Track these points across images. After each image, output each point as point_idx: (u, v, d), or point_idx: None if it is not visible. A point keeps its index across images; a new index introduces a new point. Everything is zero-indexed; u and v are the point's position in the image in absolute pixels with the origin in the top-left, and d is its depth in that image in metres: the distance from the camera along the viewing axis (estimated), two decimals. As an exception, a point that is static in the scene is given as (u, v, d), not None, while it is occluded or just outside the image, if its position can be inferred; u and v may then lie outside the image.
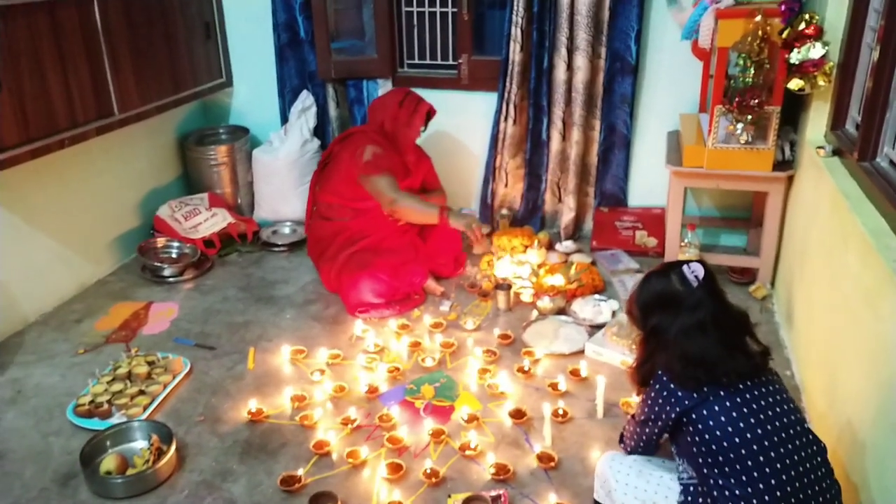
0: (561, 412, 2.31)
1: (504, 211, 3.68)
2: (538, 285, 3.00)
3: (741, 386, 1.55)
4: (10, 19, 2.47)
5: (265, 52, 3.74)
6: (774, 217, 2.94)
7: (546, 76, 3.36)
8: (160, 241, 3.45)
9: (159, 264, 3.32)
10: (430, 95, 3.25)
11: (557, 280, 3.00)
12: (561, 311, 2.94)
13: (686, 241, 3.04)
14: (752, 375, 1.57)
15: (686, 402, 1.56)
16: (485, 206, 3.69)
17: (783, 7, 2.54)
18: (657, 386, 1.62)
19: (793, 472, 1.48)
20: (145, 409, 2.36)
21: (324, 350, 2.70)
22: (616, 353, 2.60)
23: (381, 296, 2.96)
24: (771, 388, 1.58)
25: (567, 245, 3.48)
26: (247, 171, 3.83)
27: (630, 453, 1.81)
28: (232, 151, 3.75)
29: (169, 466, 2.10)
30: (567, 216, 3.57)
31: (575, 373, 2.53)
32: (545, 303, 2.94)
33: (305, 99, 3.73)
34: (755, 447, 1.48)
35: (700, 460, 1.55)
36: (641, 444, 1.75)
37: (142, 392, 2.43)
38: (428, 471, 2.08)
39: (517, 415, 2.32)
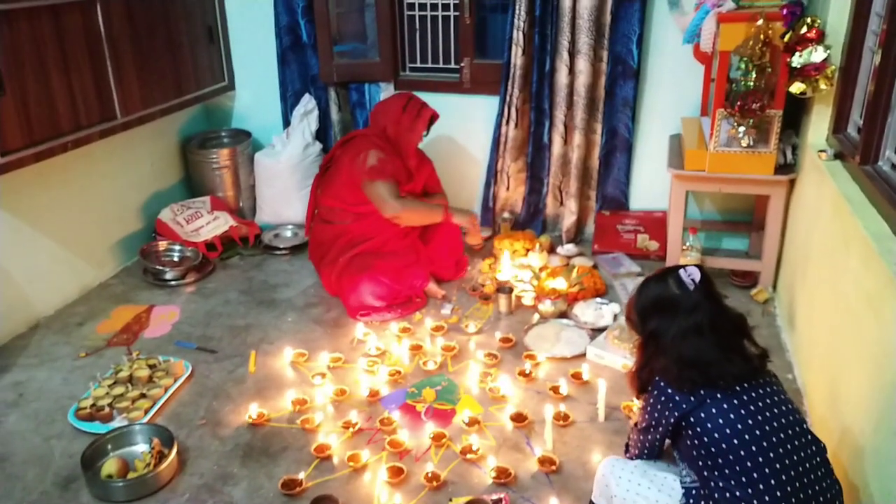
0: (562, 416, 2.31)
1: (506, 214, 3.68)
2: (539, 289, 3.00)
3: (739, 388, 1.55)
4: (14, 23, 2.48)
5: (267, 56, 3.75)
6: (776, 221, 2.94)
7: (548, 80, 3.36)
8: (162, 245, 3.46)
9: (161, 267, 3.32)
10: (431, 99, 3.25)
11: (559, 283, 3.00)
12: (562, 315, 2.94)
13: (688, 244, 3.04)
14: (750, 377, 1.57)
15: (684, 406, 1.56)
16: (486, 210, 3.69)
17: (785, 11, 2.54)
18: (655, 392, 1.63)
19: (793, 473, 1.47)
20: (146, 412, 2.36)
21: (325, 353, 2.70)
22: (617, 356, 2.59)
23: (382, 299, 2.96)
24: (769, 389, 1.58)
25: (568, 248, 3.49)
26: (249, 175, 3.84)
27: None
28: (234, 155, 3.76)
29: (170, 470, 2.10)
30: (569, 220, 3.56)
31: (576, 376, 2.53)
32: (546, 306, 2.93)
33: (307, 102, 3.74)
34: (754, 448, 1.48)
35: (700, 463, 1.55)
36: (645, 451, 1.75)
37: (143, 395, 2.44)
38: (429, 474, 2.08)
39: (518, 418, 2.31)
